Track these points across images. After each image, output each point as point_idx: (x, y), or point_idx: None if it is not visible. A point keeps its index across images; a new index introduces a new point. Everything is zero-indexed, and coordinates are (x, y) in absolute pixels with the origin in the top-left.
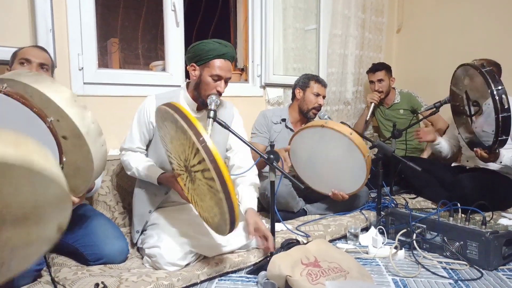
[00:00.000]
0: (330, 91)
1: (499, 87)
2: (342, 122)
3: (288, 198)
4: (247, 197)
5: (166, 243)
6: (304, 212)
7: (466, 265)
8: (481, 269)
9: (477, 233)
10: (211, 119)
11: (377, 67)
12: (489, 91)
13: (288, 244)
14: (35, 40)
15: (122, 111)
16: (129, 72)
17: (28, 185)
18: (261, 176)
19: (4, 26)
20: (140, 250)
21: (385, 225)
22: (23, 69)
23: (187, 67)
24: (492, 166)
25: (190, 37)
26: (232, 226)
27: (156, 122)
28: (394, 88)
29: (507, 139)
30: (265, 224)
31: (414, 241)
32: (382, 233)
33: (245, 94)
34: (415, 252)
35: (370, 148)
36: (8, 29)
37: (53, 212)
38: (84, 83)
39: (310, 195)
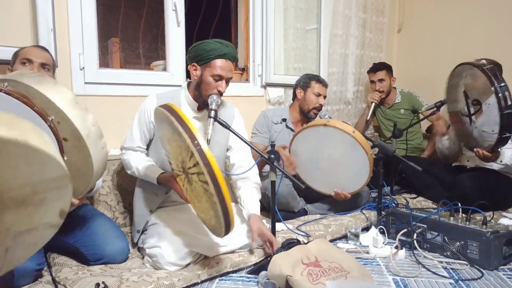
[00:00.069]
0: (330, 90)
1: (502, 84)
2: (342, 122)
3: (288, 198)
4: (249, 201)
5: (167, 243)
6: (304, 212)
7: (467, 265)
8: (481, 269)
9: (478, 233)
10: (212, 119)
11: (378, 67)
12: (492, 88)
13: (289, 244)
14: (36, 40)
15: (123, 110)
16: (130, 72)
17: (25, 164)
18: (261, 175)
19: (5, 25)
20: (140, 250)
21: (386, 225)
22: (24, 69)
23: (188, 67)
24: (493, 165)
25: (191, 37)
26: (227, 229)
27: (155, 122)
28: (394, 88)
29: (510, 136)
30: (266, 224)
31: (415, 241)
32: (382, 233)
33: (246, 94)
34: (415, 252)
35: (371, 148)
36: (9, 29)
37: (54, 194)
38: (85, 83)
39: (310, 195)
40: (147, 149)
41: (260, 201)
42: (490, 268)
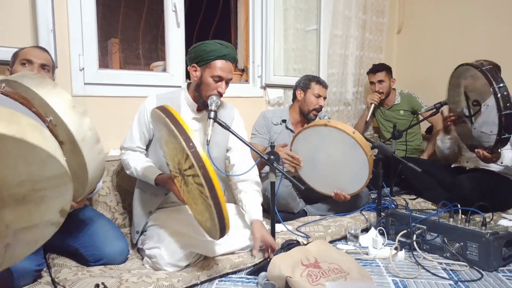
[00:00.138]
0: (330, 91)
1: (501, 85)
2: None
3: (288, 199)
4: (252, 206)
5: (166, 244)
6: (304, 213)
7: (466, 266)
8: (481, 270)
9: (477, 234)
10: (211, 120)
11: (377, 68)
12: (491, 88)
13: (288, 245)
14: (36, 41)
15: (123, 111)
16: (130, 72)
17: (24, 162)
18: (260, 176)
19: (5, 26)
20: (140, 251)
21: (385, 226)
22: (24, 69)
23: (188, 68)
24: (492, 167)
25: (190, 38)
26: (222, 232)
27: (152, 124)
28: (394, 89)
29: (509, 137)
30: (266, 225)
31: (414, 242)
32: (382, 234)
33: (245, 94)
34: (415, 253)
35: (371, 149)
36: (9, 30)
37: (54, 192)
38: (85, 84)
39: (310, 196)
40: (147, 149)
41: None
42: (489, 269)
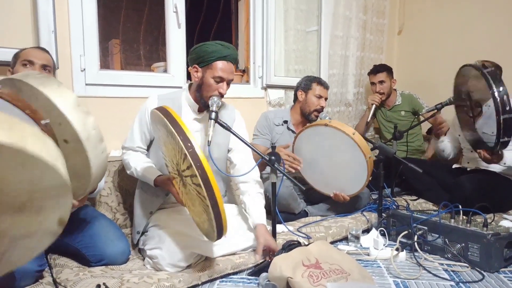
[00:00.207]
0: (331, 92)
1: (501, 88)
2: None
3: (289, 199)
4: (255, 210)
5: (168, 245)
6: (305, 214)
7: (468, 267)
8: (482, 271)
9: (479, 235)
10: (212, 121)
11: (378, 69)
12: (490, 92)
13: (289, 246)
14: (37, 41)
15: (124, 112)
16: (131, 73)
17: (23, 170)
18: (261, 177)
19: (6, 27)
20: (141, 251)
21: (386, 226)
22: (25, 70)
23: (189, 69)
24: (493, 167)
25: (191, 39)
26: (220, 234)
27: (151, 125)
28: (395, 89)
29: (509, 140)
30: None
31: (416, 243)
32: (383, 234)
33: (246, 95)
34: (416, 254)
35: (371, 149)
36: (10, 30)
37: (52, 203)
38: (86, 84)
39: (311, 197)
40: (148, 150)
41: None
42: (491, 270)
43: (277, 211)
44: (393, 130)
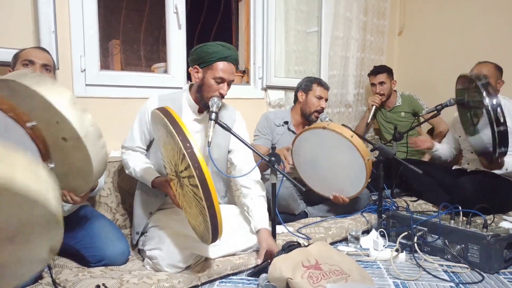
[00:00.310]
0: (331, 93)
1: (494, 101)
2: (343, 125)
3: (289, 200)
4: (258, 214)
5: (167, 245)
6: (305, 215)
7: (467, 268)
8: (482, 272)
9: (479, 236)
10: (212, 121)
11: (378, 70)
12: (483, 104)
13: (289, 247)
14: (37, 42)
15: (124, 112)
16: (131, 74)
17: (10, 205)
18: (262, 178)
19: (6, 27)
20: (141, 252)
21: (386, 227)
22: (26, 70)
23: (190, 69)
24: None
25: (192, 39)
26: (215, 236)
27: (152, 125)
28: (395, 90)
29: (507, 150)
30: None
31: (415, 244)
32: (383, 235)
33: (246, 96)
34: (416, 255)
35: (371, 150)
36: (11, 31)
37: (42, 233)
38: (86, 85)
39: (311, 198)
40: (148, 150)
41: None
42: (490, 271)
43: (277, 212)
44: (393, 131)
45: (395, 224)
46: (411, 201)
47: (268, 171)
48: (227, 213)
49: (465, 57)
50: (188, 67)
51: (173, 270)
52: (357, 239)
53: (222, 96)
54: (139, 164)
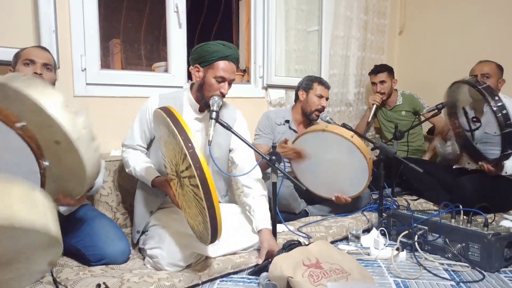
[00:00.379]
0: (332, 92)
1: (499, 104)
2: (343, 124)
3: (289, 199)
4: (260, 213)
5: (168, 244)
6: (305, 213)
7: (468, 267)
8: (483, 271)
9: (479, 235)
10: (213, 120)
11: (379, 69)
12: (488, 108)
13: (290, 245)
14: (38, 41)
15: (124, 111)
16: (132, 73)
17: (11, 237)
18: (263, 176)
19: (7, 27)
20: (141, 250)
21: (387, 226)
22: (27, 69)
23: (190, 69)
24: None
25: (192, 39)
26: (214, 237)
27: (153, 125)
28: (396, 89)
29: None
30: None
31: (416, 243)
32: (383, 234)
33: (247, 95)
34: (416, 253)
35: (372, 149)
36: (11, 30)
37: (42, 253)
38: (87, 84)
39: (311, 197)
40: (148, 149)
41: None
42: (491, 270)
43: (277, 210)
44: (393, 130)
45: (395, 223)
46: (411, 200)
47: (269, 170)
48: (227, 212)
49: (465, 57)
50: (188, 66)
51: (174, 269)
52: (357, 238)
53: (223, 95)
54: (139, 163)
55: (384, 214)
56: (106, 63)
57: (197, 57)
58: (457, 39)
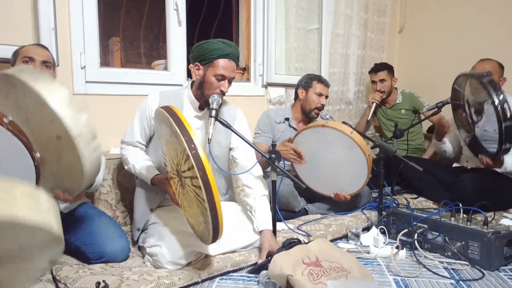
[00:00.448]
0: (332, 91)
1: (501, 97)
2: (343, 122)
3: (289, 197)
4: (261, 214)
5: (167, 242)
6: (305, 212)
7: (468, 265)
8: (482, 270)
9: (479, 233)
10: (212, 118)
11: (379, 67)
12: (490, 101)
13: (290, 244)
14: (37, 39)
15: (124, 109)
16: (131, 71)
17: (13, 234)
18: (263, 175)
19: (6, 24)
20: (141, 249)
21: (387, 225)
22: (26, 66)
23: (190, 66)
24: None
25: (192, 36)
26: (215, 237)
27: (155, 124)
28: (396, 88)
29: (511, 147)
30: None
31: (416, 241)
32: (383, 233)
33: (246, 93)
34: (416, 252)
35: (372, 148)
36: (11, 28)
37: (44, 251)
38: (86, 82)
39: (311, 195)
40: (147, 147)
41: None
42: (491, 268)
43: (277, 209)
44: (393, 128)
45: (395, 221)
46: (411, 198)
47: (269, 168)
48: (227, 210)
49: (465, 55)
50: (188, 64)
51: (174, 267)
52: (357, 236)
53: (223, 93)
54: (138, 160)
55: (383, 213)
56: (105, 61)
57: (197, 55)
58: (457, 38)
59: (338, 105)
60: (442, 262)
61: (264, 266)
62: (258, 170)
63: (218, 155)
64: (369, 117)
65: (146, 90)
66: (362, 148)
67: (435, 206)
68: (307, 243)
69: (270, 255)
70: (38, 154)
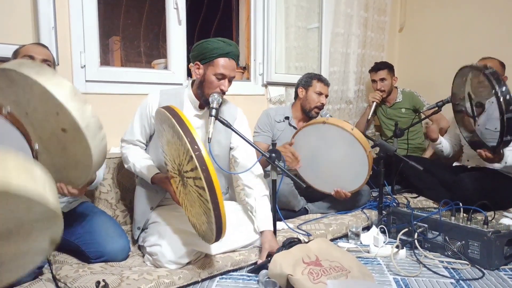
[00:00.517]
0: (332, 90)
1: (503, 88)
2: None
3: (289, 196)
4: (262, 214)
5: (167, 241)
6: (305, 211)
7: (468, 264)
8: (482, 269)
9: (479, 232)
10: (212, 117)
11: (379, 66)
12: (493, 92)
13: (290, 243)
14: (37, 38)
15: (124, 109)
16: (131, 70)
17: (8, 206)
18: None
19: (6, 24)
20: (141, 248)
21: (387, 224)
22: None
23: (191, 66)
24: (494, 165)
25: (192, 35)
26: (218, 236)
27: (155, 123)
28: (396, 87)
29: (511, 140)
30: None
31: (416, 241)
32: (383, 232)
33: (246, 92)
34: (416, 251)
35: (372, 147)
36: (11, 27)
37: (42, 228)
38: (86, 81)
39: (311, 194)
40: (147, 145)
41: None
42: (491, 268)
43: (277, 208)
44: (393, 127)
45: (395, 220)
46: (411, 197)
47: (269, 167)
48: (227, 209)
49: (465, 54)
50: (188, 63)
51: (174, 266)
52: (357, 235)
53: (223, 93)
54: (139, 159)
55: (384, 212)
56: (105, 60)
57: (197, 54)
58: (457, 37)
59: (338, 104)
60: (442, 262)
61: (264, 265)
62: (259, 169)
63: (218, 154)
64: (369, 116)
65: (146, 89)
66: (363, 145)
67: (435, 206)
68: (307, 242)
69: (270, 255)
70: (36, 146)
